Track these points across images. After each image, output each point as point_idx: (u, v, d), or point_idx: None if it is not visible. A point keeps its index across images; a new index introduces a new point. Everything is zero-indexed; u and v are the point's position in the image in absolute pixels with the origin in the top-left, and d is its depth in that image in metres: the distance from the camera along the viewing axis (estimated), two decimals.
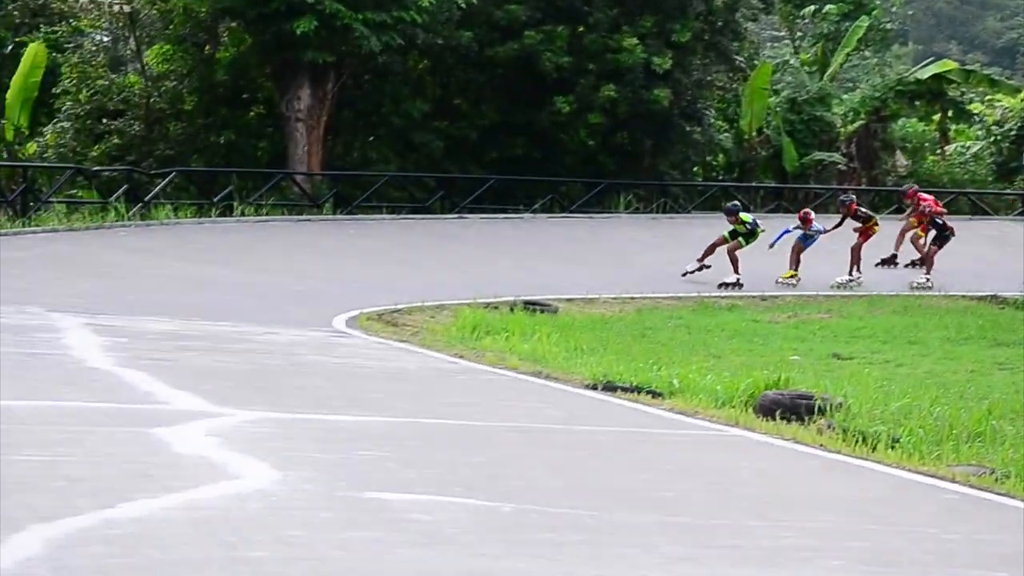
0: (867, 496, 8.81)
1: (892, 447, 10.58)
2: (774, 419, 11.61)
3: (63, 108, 39.85)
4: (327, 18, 35.70)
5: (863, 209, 28.01)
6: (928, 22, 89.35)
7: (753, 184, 43.23)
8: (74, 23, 41.44)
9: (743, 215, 26.66)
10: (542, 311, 20.67)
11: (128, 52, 41.89)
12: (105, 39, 42.36)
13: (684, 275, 25.90)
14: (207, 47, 40.04)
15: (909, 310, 23.90)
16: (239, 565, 5.82)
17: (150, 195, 33.55)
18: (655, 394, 12.62)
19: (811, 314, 23.22)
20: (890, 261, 28.33)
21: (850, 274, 26.66)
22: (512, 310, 20.25)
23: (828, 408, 12.06)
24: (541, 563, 6.21)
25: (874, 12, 47.24)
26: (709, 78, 43.30)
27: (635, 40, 39.21)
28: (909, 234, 28.00)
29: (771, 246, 26.12)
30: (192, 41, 39.81)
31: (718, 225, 27.51)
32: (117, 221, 30.67)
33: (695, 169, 45.11)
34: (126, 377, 11.49)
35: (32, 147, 39.94)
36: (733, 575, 6.27)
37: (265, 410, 10.17)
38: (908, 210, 28.54)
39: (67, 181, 35.34)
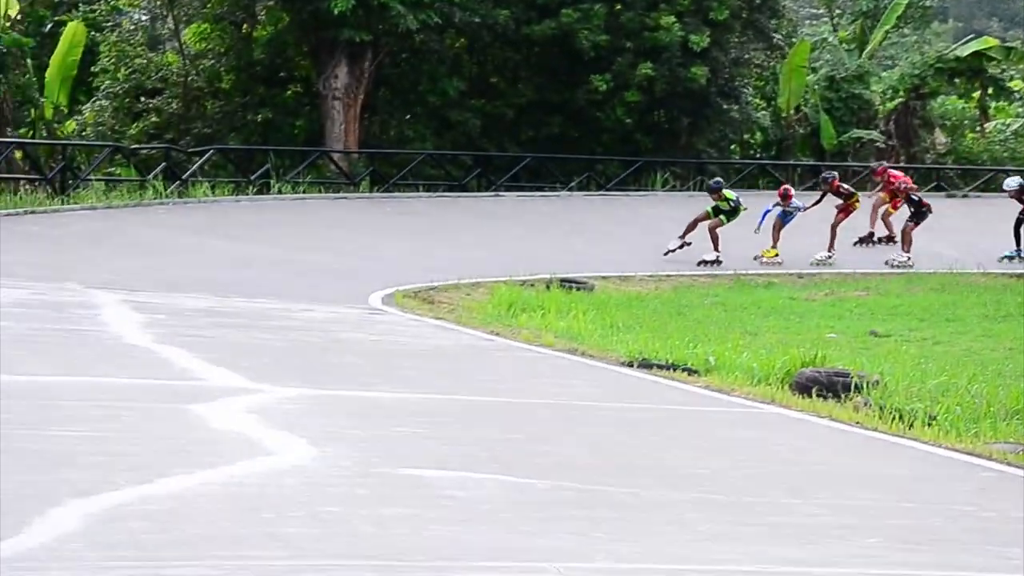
0: (904, 474, 8.78)
1: (929, 425, 10.54)
2: (810, 397, 11.57)
3: (102, 87, 40.01)
4: None
5: (845, 186, 27.65)
6: None
7: (791, 162, 43.04)
8: (112, 2, 41.55)
9: (726, 192, 26.13)
10: (578, 288, 20.65)
11: (166, 31, 42.00)
12: (143, 18, 42.48)
13: (666, 254, 25.26)
14: (245, 26, 40.11)
15: (947, 288, 23.77)
16: (275, 541, 5.84)
17: (188, 173, 33.65)
18: (691, 371, 12.59)
19: (848, 292, 23.13)
20: (867, 239, 27.95)
21: (828, 251, 26.35)
22: (548, 287, 20.23)
23: (865, 386, 12.02)
24: (577, 540, 6.21)
25: None
26: (747, 56, 43.10)
27: (672, 18, 39.06)
28: (881, 210, 27.73)
29: (757, 230, 25.82)
30: (230, 20, 39.88)
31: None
32: (155, 199, 30.78)
33: (732, 147, 44.93)
34: (164, 353, 11.55)
35: (71, 125, 40.13)
36: (769, 552, 6.26)
37: (302, 387, 10.20)
38: (878, 187, 28.10)
39: (105, 159, 35.48)
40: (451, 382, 11.33)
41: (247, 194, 33.30)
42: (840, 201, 26.94)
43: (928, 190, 38.39)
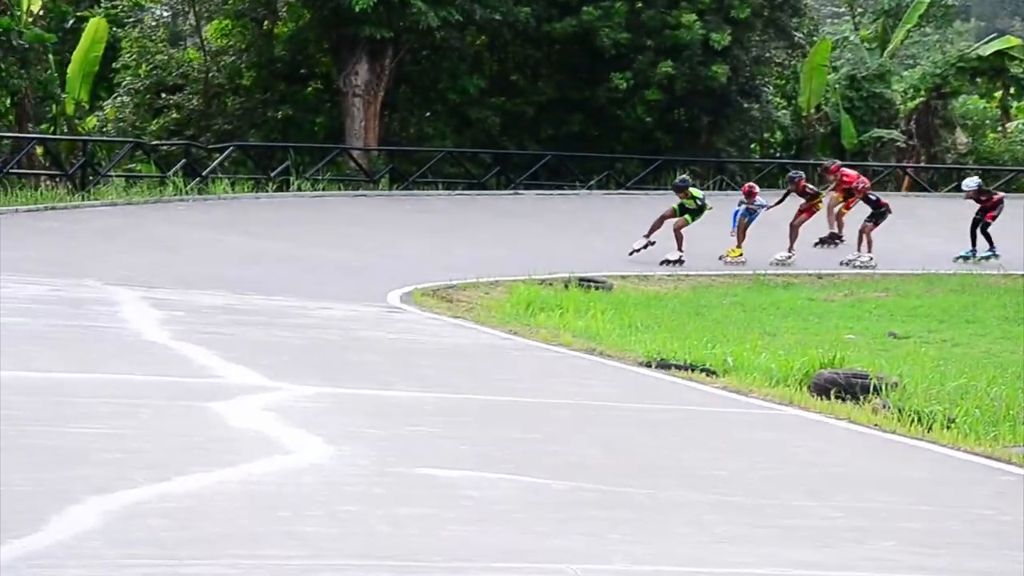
0: (922, 477, 8.76)
1: (948, 427, 10.51)
2: (829, 398, 11.55)
3: (123, 83, 40.15)
4: None
5: (811, 186, 27.31)
6: None
7: (811, 161, 42.95)
8: None
9: (693, 191, 25.74)
10: (596, 288, 20.64)
11: (187, 27, 42.12)
12: (165, 14, 42.60)
13: (631, 253, 24.91)
14: (265, 22, 40.19)
15: (967, 289, 23.71)
16: (292, 539, 5.85)
17: (208, 169, 33.73)
18: (709, 372, 12.58)
19: (867, 293, 23.08)
20: (828, 240, 27.68)
21: (788, 250, 26.09)
22: (566, 287, 20.23)
23: (884, 387, 11.98)
24: (593, 541, 6.21)
25: None
26: (767, 55, 43.07)
27: (693, 16, 39.03)
28: (835, 209, 27.54)
29: (733, 232, 25.62)
30: (251, 16, 39.97)
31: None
32: (175, 195, 30.85)
33: (752, 146, 44.89)
34: (182, 351, 11.57)
35: (92, 121, 40.24)
36: (786, 555, 6.25)
37: (320, 385, 10.21)
38: (831, 185, 27.75)
39: (126, 155, 35.59)
40: (469, 381, 11.34)
41: (267, 191, 33.38)
42: (803, 201, 26.69)
43: (948, 190, 38.30)
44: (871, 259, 25.96)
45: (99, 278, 17.52)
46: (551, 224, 30.17)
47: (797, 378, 12.50)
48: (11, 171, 30.48)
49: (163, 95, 39.83)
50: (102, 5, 40.98)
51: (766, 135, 45.13)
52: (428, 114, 40.35)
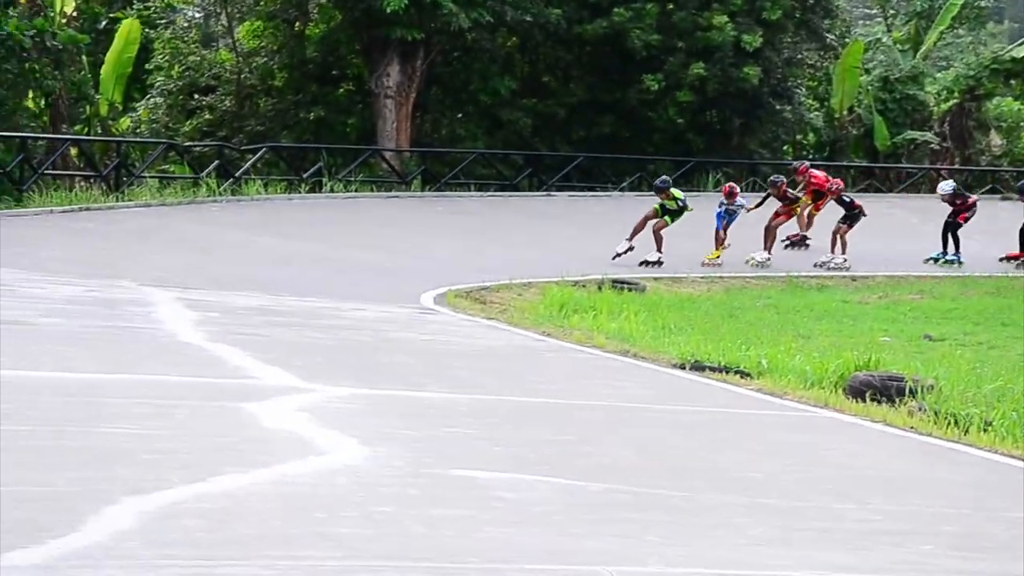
0: (959, 480, 8.72)
1: (984, 430, 10.45)
2: (864, 401, 11.50)
3: (156, 84, 40.30)
4: None
5: (792, 192, 26.94)
6: None
7: (844, 163, 42.83)
8: None
9: (674, 191, 25.36)
10: (630, 289, 20.62)
11: (220, 28, 42.24)
12: (197, 15, 42.74)
13: (614, 258, 24.38)
14: (297, 23, 40.29)
15: (1002, 291, 23.60)
16: (327, 541, 5.86)
17: (241, 171, 33.83)
18: (743, 374, 12.55)
19: (902, 295, 22.99)
20: (799, 242, 27.43)
21: (767, 252, 25.80)
22: (600, 288, 20.21)
23: (919, 390, 11.93)
24: (628, 542, 6.20)
25: None
26: (799, 56, 42.94)
27: (725, 18, 38.96)
28: (805, 211, 27.34)
29: (723, 236, 25.39)
30: (283, 17, 40.07)
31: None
32: (208, 196, 30.96)
33: (785, 148, 44.77)
34: (217, 352, 11.60)
35: (125, 122, 40.41)
36: (821, 558, 6.22)
37: (354, 386, 10.22)
38: (799, 187, 27.46)
39: (159, 156, 35.72)
40: (502, 382, 11.33)
41: (299, 192, 33.46)
42: (780, 204, 26.45)
43: (983, 192, 38.11)
44: (845, 260, 25.70)
45: (134, 279, 17.60)
46: (584, 226, 30.14)
47: (832, 380, 12.45)
48: (46, 172, 30.63)
49: (196, 96, 39.97)
50: (135, 6, 41.15)
51: (799, 137, 44.99)
52: (460, 115, 40.39)
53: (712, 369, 12.67)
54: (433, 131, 40.42)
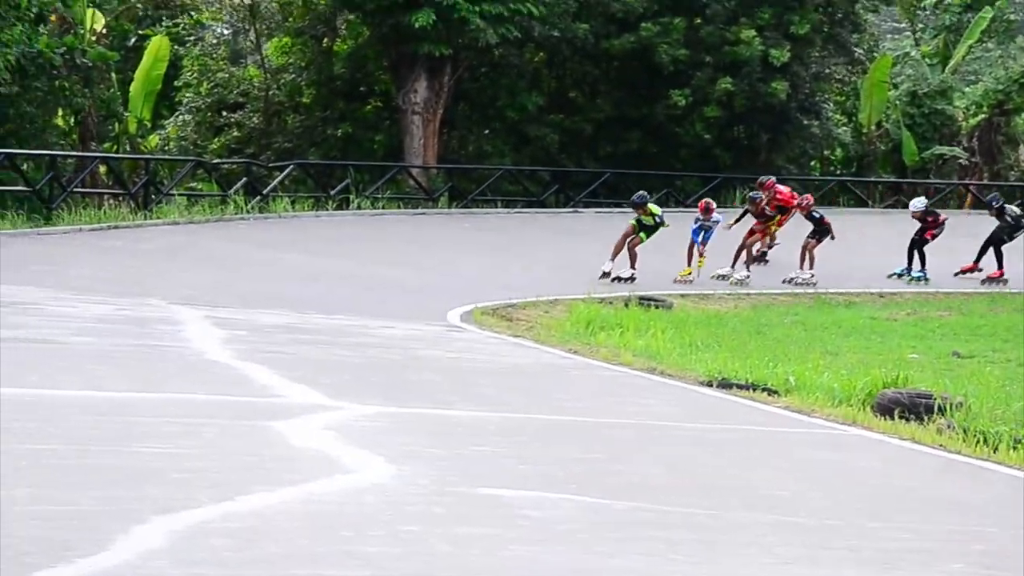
0: (988, 498, 8.68)
1: (1014, 448, 10.40)
2: (892, 418, 11.47)
3: (184, 101, 40.47)
4: (444, 11, 35.91)
5: (769, 210, 26.69)
6: None
7: (872, 179, 42.73)
8: (195, 16, 42.03)
9: (652, 207, 25.09)
10: (657, 306, 20.60)
11: (248, 45, 42.42)
12: (225, 32, 42.94)
13: (601, 277, 23.86)
14: (325, 40, 40.45)
15: None
16: (354, 559, 5.87)
17: (268, 188, 33.95)
18: (771, 392, 12.52)
19: (931, 312, 22.91)
20: (759, 257, 27.11)
21: (733, 266, 25.25)
22: (627, 305, 20.18)
23: (948, 407, 11.90)
24: (654, 561, 6.19)
25: (997, 3, 46.44)
26: (827, 71, 42.89)
27: (753, 32, 38.95)
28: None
29: (703, 250, 25.19)
30: (311, 34, 40.23)
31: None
32: (236, 214, 31.06)
33: (812, 163, 44.70)
34: (244, 370, 11.63)
35: (154, 140, 40.59)
36: None
37: (381, 404, 10.24)
38: (764, 201, 27.03)
39: (188, 174, 35.84)
40: (529, 400, 11.33)
41: (327, 209, 33.54)
42: (756, 222, 26.24)
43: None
44: (812, 276, 25.50)
45: (162, 297, 17.66)
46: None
47: (860, 398, 12.43)
48: (75, 190, 30.78)
49: (224, 113, 40.13)
50: (164, 23, 41.36)
51: (826, 152, 44.92)
52: (487, 132, 40.45)
53: (740, 387, 12.64)
54: (460, 147, 40.49)
